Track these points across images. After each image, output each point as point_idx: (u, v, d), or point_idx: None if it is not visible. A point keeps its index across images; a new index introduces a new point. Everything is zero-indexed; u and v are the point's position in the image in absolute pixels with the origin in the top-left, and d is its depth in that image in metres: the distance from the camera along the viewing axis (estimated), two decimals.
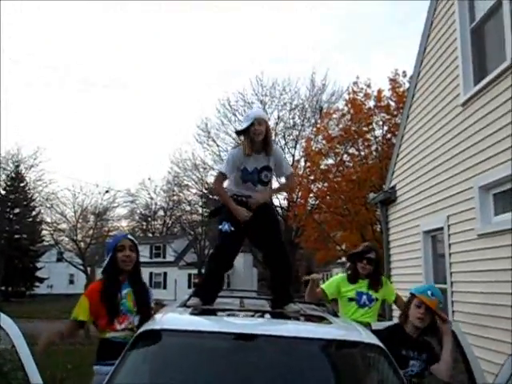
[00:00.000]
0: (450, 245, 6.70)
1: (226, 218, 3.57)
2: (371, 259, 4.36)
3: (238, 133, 3.73)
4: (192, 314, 3.05)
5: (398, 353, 3.09)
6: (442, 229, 6.94)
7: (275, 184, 4.13)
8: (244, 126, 3.58)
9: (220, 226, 3.59)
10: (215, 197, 32.22)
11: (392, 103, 21.47)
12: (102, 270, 3.65)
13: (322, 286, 4.57)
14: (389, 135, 21.85)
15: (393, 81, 21.37)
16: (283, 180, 4.04)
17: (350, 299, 4.32)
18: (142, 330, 2.84)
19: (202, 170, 33.57)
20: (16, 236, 35.65)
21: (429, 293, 3.56)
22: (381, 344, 2.82)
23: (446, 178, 6.78)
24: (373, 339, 2.88)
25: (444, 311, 3.71)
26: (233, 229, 3.53)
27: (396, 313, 5.73)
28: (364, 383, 2.82)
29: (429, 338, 3.59)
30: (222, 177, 3.68)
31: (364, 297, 4.31)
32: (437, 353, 3.52)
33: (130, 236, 3.71)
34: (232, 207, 3.54)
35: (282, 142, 28.96)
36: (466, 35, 6.37)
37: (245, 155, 3.57)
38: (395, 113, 21.19)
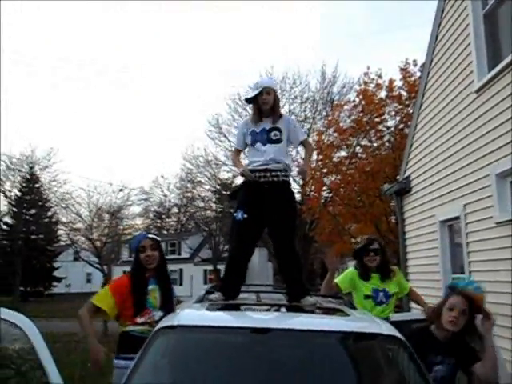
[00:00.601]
0: (467, 234, 6.62)
1: (239, 206, 3.50)
2: (376, 249, 4.30)
3: (247, 101, 3.74)
4: (209, 309, 3.03)
5: (422, 358, 2.94)
6: (458, 218, 6.86)
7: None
8: (252, 94, 3.60)
9: (235, 214, 3.53)
10: (228, 192, 32.33)
11: (404, 93, 21.27)
12: (130, 269, 3.71)
13: (336, 279, 4.52)
14: (401, 125, 21.66)
15: (403, 70, 21.15)
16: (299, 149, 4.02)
17: (367, 296, 4.24)
18: (159, 326, 2.83)
19: (214, 166, 33.61)
20: (33, 236, 36.02)
21: (475, 285, 3.35)
22: (400, 336, 2.77)
23: (462, 166, 6.69)
24: (392, 331, 2.83)
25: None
26: (246, 216, 3.44)
27: (414, 304, 5.67)
28: (384, 376, 2.77)
29: (468, 339, 3.33)
30: (235, 150, 3.80)
31: (381, 294, 4.22)
32: (475, 353, 3.26)
33: (150, 235, 3.72)
34: (240, 171, 3.57)
35: None
36: (479, 20, 6.26)
37: (252, 122, 3.62)
38: (407, 102, 21.00)
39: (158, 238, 3.77)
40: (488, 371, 3.14)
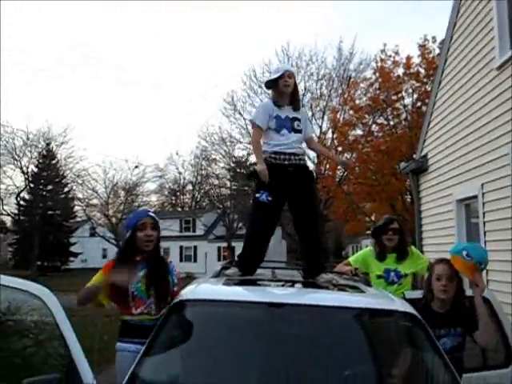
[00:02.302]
0: (484, 213, 6.57)
1: (263, 187, 3.45)
2: (395, 229, 4.28)
3: (268, 85, 3.72)
4: (225, 284, 3.06)
5: None
6: (476, 197, 6.79)
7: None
8: (274, 76, 3.58)
9: (257, 195, 3.47)
10: (243, 170, 32.32)
11: (422, 70, 20.94)
12: (118, 250, 3.43)
13: (350, 259, 4.53)
14: (419, 103, 21.39)
15: (422, 47, 20.80)
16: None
17: (379, 276, 4.24)
18: (176, 300, 2.86)
19: (229, 143, 33.56)
20: (49, 212, 36.48)
21: (464, 253, 3.20)
22: (415, 312, 2.78)
23: (480, 144, 6.60)
24: (407, 308, 2.84)
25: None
26: (270, 199, 3.42)
27: None
28: (398, 352, 2.78)
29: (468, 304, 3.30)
30: (257, 130, 3.57)
31: (392, 274, 4.20)
32: (475, 317, 3.24)
33: (151, 213, 3.35)
34: (258, 166, 3.43)
35: (309, 113, 28.58)
36: None
37: (275, 105, 3.57)
38: (425, 80, 20.69)
39: (157, 219, 3.37)
40: (484, 339, 3.18)
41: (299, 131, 3.58)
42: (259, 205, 3.46)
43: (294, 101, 3.64)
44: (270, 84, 3.65)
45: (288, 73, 3.57)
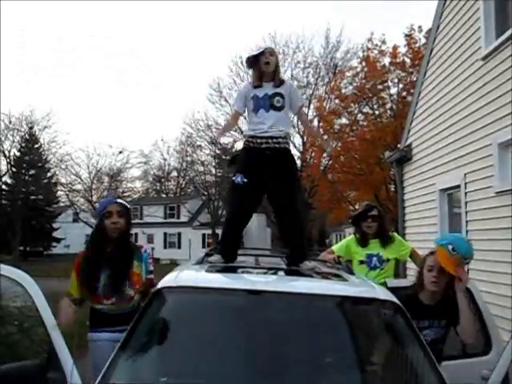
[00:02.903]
0: (466, 203, 6.63)
1: (239, 170, 3.44)
2: (374, 216, 4.31)
3: (248, 64, 3.60)
4: (208, 271, 3.04)
5: None
6: (458, 187, 6.85)
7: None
8: (254, 53, 3.49)
9: (234, 178, 3.47)
10: (228, 157, 32.21)
11: (407, 60, 20.99)
12: (86, 240, 3.42)
13: (333, 247, 4.55)
14: (404, 93, 21.46)
15: (408, 36, 20.83)
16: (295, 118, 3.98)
17: (361, 262, 4.28)
18: (158, 286, 2.84)
19: (214, 130, 33.37)
20: (32, 197, 36.09)
21: (450, 247, 3.14)
22: (397, 301, 2.79)
23: (464, 134, 6.64)
24: (388, 296, 2.85)
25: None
26: (246, 180, 3.38)
27: (412, 272, 5.70)
28: (379, 340, 2.80)
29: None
30: (234, 113, 3.70)
31: (374, 259, 4.24)
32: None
33: (119, 200, 3.33)
34: (217, 136, 3.56)
35: None
36: None
37: (253, 87, 3.51)
38: (411, 70, 20.74)
39: (128, 205, 3.35)
40: (465, 334, 3.17)
41: (280, 108, 3.45)
42: (235, 187, 3.44)
43: (275, 77, 3.51)
44: (251, 63, 3.54)
45: (269, 50, 3.49)
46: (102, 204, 3.33)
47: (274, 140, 3.42)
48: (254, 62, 3.51)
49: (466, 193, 6.64)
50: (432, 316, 3.23)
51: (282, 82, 3.53)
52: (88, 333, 3.21)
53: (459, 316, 3.16)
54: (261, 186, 3.47)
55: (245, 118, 3.85)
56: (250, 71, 3.67)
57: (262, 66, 3.45)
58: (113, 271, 3.14)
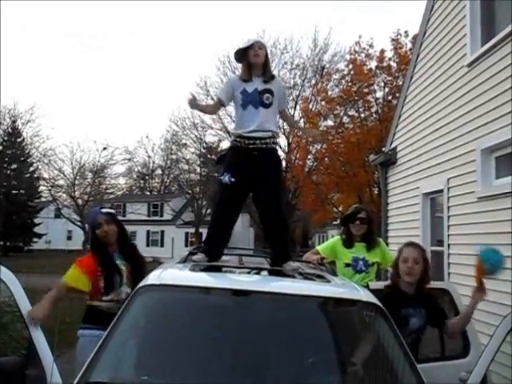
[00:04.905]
0: (449, 207, 6.70)
1: (226, 169, 3.44)
2: (363, 218, 4.35)
3: (237, 58, 3.56)
4: (191, 270, 3.04)
5: (397, 313, 3.05)
6: (441, 191, 6.91)
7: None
8: (243, 46, 3.46)
9: (221, 177, 3.47)
10: (213, 156, 32.16)
11: (394, 64, 21.18)
12: (90, 246, 3.63)
13: (318, 248, 4.57)
14: (390, 97, 21.64)
15: (395, 41, 21.01)
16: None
17: (347, 265, 4.30)
18: (140, 284, 2.82)
19: (200, 129, 33.39)
20: (14, 191, 35.67)
21: (488, 264, 3.32)
22: (379, 303, 2.81)
23: (449, 140, 6.71)
24: (371, 298, 2.87)
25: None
26: (233, 180, 3.37)
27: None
28: (361, 342, 2.82)
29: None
30: (216, 102, 3.73)
31: (360, 262, 4.28)
32: (439, 305, 3.53)
33: (103, 210, 3.63)
34: (189, 100, 3.49)
35: None
36: None
37: (242, 80, 3.47)
38: (397, 74, 20.93)
39: (112, 211, 3.71)
40: (461, 328, 3.46)
41: (268, 105, 3.43)
42: (222, 186, 3.45)
43: (265, 72, 3.48)
44: (240, 56, 3.50)
45: (258, 43, 3.45)
46: (91, 218, 3.65)
47: (262, 141, 3.41)
48: (243, 55, 3.47)
49: (448, 197, 6.71)
50: (414, 304, 3.38)
51: (272, 77, 3.52)
52: (79, 329, 3.31)
53: (442, 313, 3.42)
54: (246, 186, 3.48)
55: (226, 113, 3.87)
56: (239, 66, 3.62)
57: (252, 57, 3.42)
58: (128, 259, 3.52)
